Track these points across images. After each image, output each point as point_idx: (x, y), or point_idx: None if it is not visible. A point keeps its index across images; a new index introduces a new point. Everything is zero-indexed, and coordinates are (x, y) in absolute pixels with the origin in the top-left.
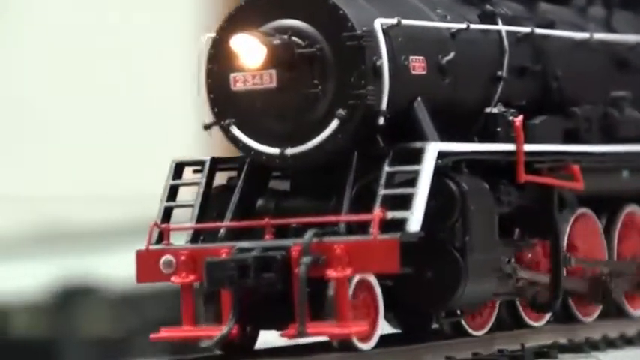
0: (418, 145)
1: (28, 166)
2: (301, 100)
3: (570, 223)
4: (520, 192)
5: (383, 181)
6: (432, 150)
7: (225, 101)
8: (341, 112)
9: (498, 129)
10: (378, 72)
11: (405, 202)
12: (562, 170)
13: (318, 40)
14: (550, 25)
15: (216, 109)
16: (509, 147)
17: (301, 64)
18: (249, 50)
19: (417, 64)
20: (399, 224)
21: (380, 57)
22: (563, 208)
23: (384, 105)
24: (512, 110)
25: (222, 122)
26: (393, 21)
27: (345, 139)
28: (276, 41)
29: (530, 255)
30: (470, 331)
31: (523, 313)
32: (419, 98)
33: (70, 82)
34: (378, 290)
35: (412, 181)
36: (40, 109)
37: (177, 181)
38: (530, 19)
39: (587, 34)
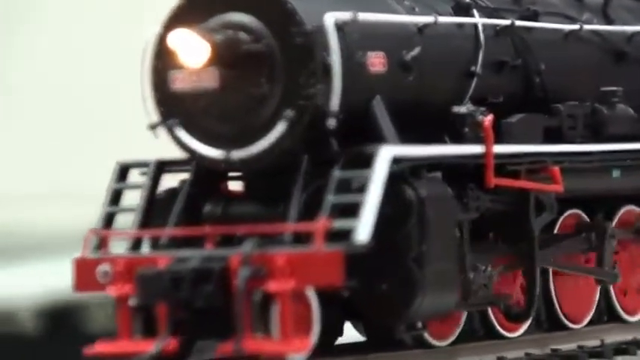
0: (370, 148)
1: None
2: (247, 101)
3: (558, 226)
4: (493, 195)
5: (332, 187)
6: (385, 154)
7: (169, 100)
8: (289, 113)
9: (466, 129)
10: (328, 70)
11: (354, 211)
12: (541, 172)
13: (265, 36)
14: (534, 17)
15: (161, 109)
16: (477, 149)
17: (247, 61)
18: (189, 47)
19: (376, 61)
20: (347, 234)
21: (330, 54)
22: (542, 211)
23: (334, 105)
24: (481, 109)
25: (166, 122)
26: (347, 15)
27: (293, 141)
28: (219, 37)
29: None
30: (432, 342)
31: (496, 323)
32: (377, 97)
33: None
34: (314, 301)
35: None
36: None
37: (119, 184)
38: (513, 10)
39: (576, 25)
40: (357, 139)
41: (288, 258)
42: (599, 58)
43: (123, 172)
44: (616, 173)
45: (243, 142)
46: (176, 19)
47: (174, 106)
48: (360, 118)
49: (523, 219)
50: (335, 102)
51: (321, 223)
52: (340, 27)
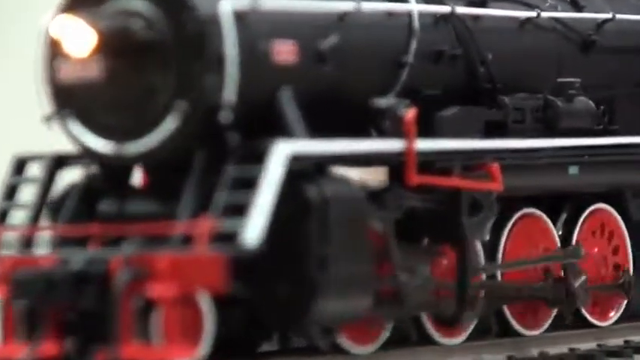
0: (265, 143)
1: None
2: (137, 92)
3: (510, 226)
4: (423, 194)
5: (224, 184)
6: (281, 150)
7: (61, 92)
8: (182, 105)
9: (386, 123)
10: (222, 61)
11: (244, 211)
12: (479, 168)
13: (158, 23)
14: (482, 4)
15: (54, 100)
16: (396, 144)
17: (137, 50)
18: (73, 35)
19: (284, 51)
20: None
21: (226, 44)
22: (478, 211)
23: (230, 98)
24: (405, 101)
25: (57, 115)
26: (247, 2)
27: (188, 135)
28: (106, 24)
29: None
30: (351, 349)
31: (431, 329)
32: (285, 88)
33: None
34: (205, 306)
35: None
36: None
37: (15, 179)
38: None
39: (533, 12)
40: (263, 133)
41: (171, 261)
42: (563, 48)
43: (19, 165)
44: (573, 170)
45: (135, 136)
46: (69, 6)
47: (66, 98)
48: (266, 110)
49: (454, 220)
50: (230, 94)
51: (204, 224)
52: (240, 15)
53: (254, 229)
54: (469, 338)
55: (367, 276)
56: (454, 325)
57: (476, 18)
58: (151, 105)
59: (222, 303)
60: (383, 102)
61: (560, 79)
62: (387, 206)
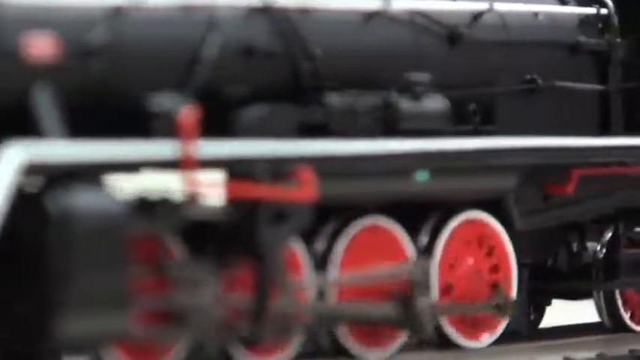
0: None
1: None
2: None
3: (347, 238)
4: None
5: None
6: (11, 155)
7: None
8: None
9: (160, 125)
10: None
11: None
12: (288, 175)
13: None
14: None
15: None
16: (166, 150)
17: None
18: None
19: (41, 46)
20: None
21: None
22: (282, 221)
23: None
24: (183, 101)
25: None
26: None
27: None
28: None
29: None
30: None
31: (237, 351)
32: (38, 87)
33: None
34: None
35: None
36: None
37: None
38: None
39: (380, 4)
40: (16, 135)
41: None
42: (423, 42)
43: None
44: (422, 176)
45: None
46: None
47: None
48: (17, 110)
49: (251, 232)
50: None
51: None
52: None
53: None
54: None
55: (122, 294)
56: (253, 344)
57: (304, 11)
58: None
59: None
60: (156, 102)
61: (408, 76)
62: (160, 218)
